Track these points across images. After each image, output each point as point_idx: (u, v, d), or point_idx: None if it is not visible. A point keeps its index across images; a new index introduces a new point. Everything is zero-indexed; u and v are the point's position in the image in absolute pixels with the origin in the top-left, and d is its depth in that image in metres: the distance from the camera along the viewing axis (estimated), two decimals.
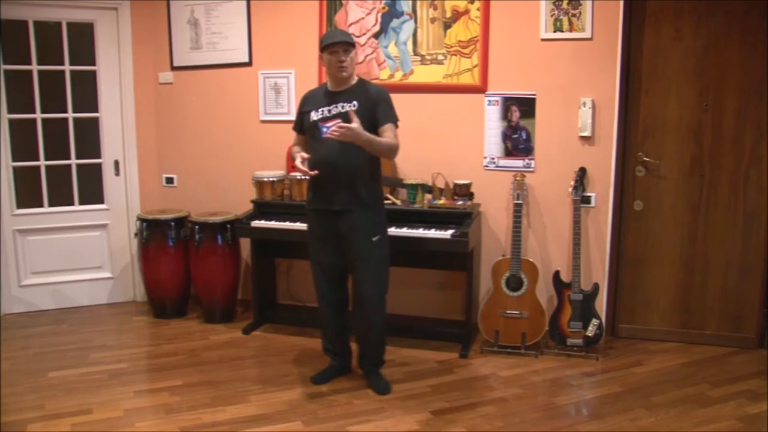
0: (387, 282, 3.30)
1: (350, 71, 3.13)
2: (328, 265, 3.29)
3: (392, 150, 3.15)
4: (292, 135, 4.28)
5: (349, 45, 3.08)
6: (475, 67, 3.96)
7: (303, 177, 3.98)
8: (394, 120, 3.18)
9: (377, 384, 3.32)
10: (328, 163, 3.10)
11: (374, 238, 3.18)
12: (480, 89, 3.97)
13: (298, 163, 3.09)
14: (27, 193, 4.48)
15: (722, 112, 3.74)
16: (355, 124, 2.94)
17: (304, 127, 3.28)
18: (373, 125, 3.11)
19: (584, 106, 3.80)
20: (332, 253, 3.24)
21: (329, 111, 3.15)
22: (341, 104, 3.12)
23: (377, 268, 3.22)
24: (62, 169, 4.51)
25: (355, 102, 3.11)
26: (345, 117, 3.07)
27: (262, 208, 4.12)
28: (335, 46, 3.06)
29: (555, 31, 3.80)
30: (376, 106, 3.12)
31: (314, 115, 3.18)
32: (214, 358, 3.74)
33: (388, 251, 3.28)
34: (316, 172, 3.09)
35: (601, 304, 3.88)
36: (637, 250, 3.97)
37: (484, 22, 3.90)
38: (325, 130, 3.11)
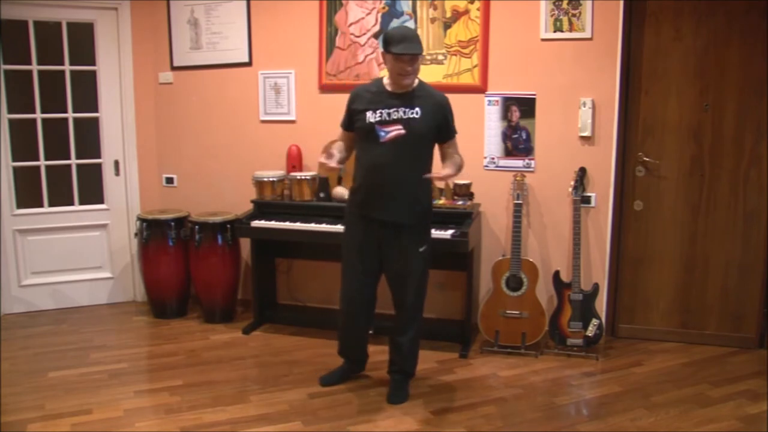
0: (426, 289, 3.21)
1: (413, 80, 2.99)
2: (364, 271, 3.17)
3: (463, 167, 3.15)
4: (291, 135, 4.33)
5: (418, 56, 2.93)
6: (475, 67, 3.96)
7: (303, 177, 4.00)
8: (455, 133, 3.13)
9: (395, 392, 3.20)
10: (384, 169, 2.98)
11: (420, 249, 3.10)
12: (480, 89, 3.97)
13: (323, 159, 2.97)
14: (27, 193, 4.48)
15: (722, 112, 3.74)
16: (445, 171, 3.00)
17: (355, 125, 3.07)
18: (436, 133, 3.02)
19: (584, 106, 3.80)
20: (371, 258, 3.13)
21: (389, 114, 2.96)
22: (402, 109, 2.96)
23: (421, 278, 3.14)
24: (62, 169, 4.51)
25: (417, 109, 2.97)
26: (405, 122, 2.95)
27: (262, 208, 4.12)
28: (406, 56, 2.89)
29: (555, 31, 3.80)
30: (443, 118, 3.03)
31: (371, 117, 2.98)
32: (214, 358, 3.74)
33: (430, 260, 3.19)
34: (337, 165, 3.03)
35: (601, 304, 3.88)
36: (637, 250, 3.97)
37: (484, 22, 3.90)
38: (383, 134, 2.96)
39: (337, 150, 3.10)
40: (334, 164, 3.02)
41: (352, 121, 3.10)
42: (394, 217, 3.03)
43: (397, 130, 2.95)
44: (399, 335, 3.21)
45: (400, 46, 2.86)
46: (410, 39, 2.90)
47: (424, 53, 3.00)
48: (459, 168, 3.08)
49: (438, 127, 3.02)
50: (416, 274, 3.11)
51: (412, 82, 2.98)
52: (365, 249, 3.13)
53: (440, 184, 3.91)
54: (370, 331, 3.52)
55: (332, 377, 3.39)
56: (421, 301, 3.20)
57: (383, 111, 2.98)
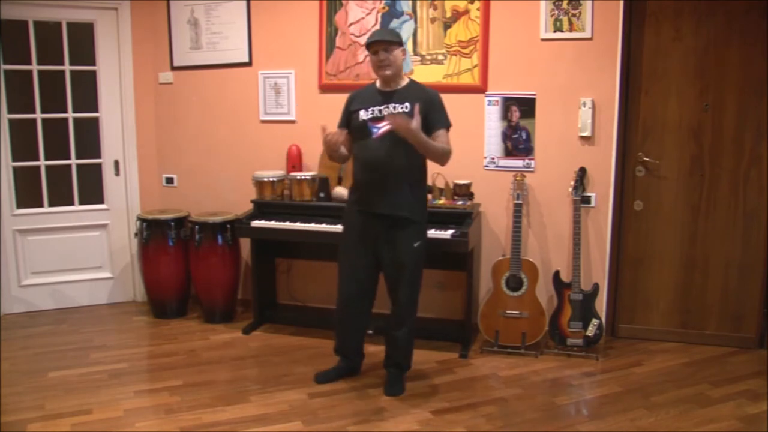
0: (420, 284, 3.25)
1: (394, 70, 3.06)
2: (361, 267, 3.22)
3: (446, 155, 3.09)
4: (291, 135, 4.34)
5: (389, 44, 3.03)
6: (475, 67, 3.96)
7: (303, 177, 4.00)
8: (447, 125, 3.14)
9: (391, 385, 3.26)
10: (377, 164, 3.06)
11: (415, 244, 3.14)
12: (480, 89, 3.97)
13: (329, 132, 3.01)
14: (27, 193, 4.48)
15: (722, 112, 3.74)
16: (415, 122, 2.91)
17: (351, 126, 3.18)
18: (425, 129, 3.03)
19: (584, 106, 3.80)
20: (370, 254, 3.18)
21: (380, 111, 3.08)
22: (393, 105, 3.07)
23: (414, 273, 3.19)
24: (62, 169, 4.51)
25: (407, 104, 3.06)
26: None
27: (262, 208, 4.12)
28: (374, 45, 3.03)
29: (555, 31, 3.80)
30: (429, 110, 3.06)
31: (364, 114, 3.11)
32: (214, 358, 3.74)
33: (424, 256, 3.23)
34: (343, 136, 3.07)
35: (601, 304, 3.88)
36: (637, 250, 3.97)
37: (484, 22, 3.90)
38: (375, 130, 3.03)
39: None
40: (342, 137, 3.07)
41: (349, 121, 3.22)
42: (390, 210, 3.10)
43: (387, 125, 3.01)
44: (394, 329, 3.26)
45: (369, 37, 3.09)
46: (378, 32, 3.13)
47: (394, 41, 3.08)
48: (436, 149, 3.03)
49: (426, 119, 3.05)
50: (410, 267, 3.16)
51: (392, 73, 3.08)
52: (364, 245, 3.19)
53: (440, 184, 3.91)
54: (370, 331, 3.53)
55: (327, 375, 3.41)
56: (416, 296, 3.25)
57: (374, 108, 3.12)
